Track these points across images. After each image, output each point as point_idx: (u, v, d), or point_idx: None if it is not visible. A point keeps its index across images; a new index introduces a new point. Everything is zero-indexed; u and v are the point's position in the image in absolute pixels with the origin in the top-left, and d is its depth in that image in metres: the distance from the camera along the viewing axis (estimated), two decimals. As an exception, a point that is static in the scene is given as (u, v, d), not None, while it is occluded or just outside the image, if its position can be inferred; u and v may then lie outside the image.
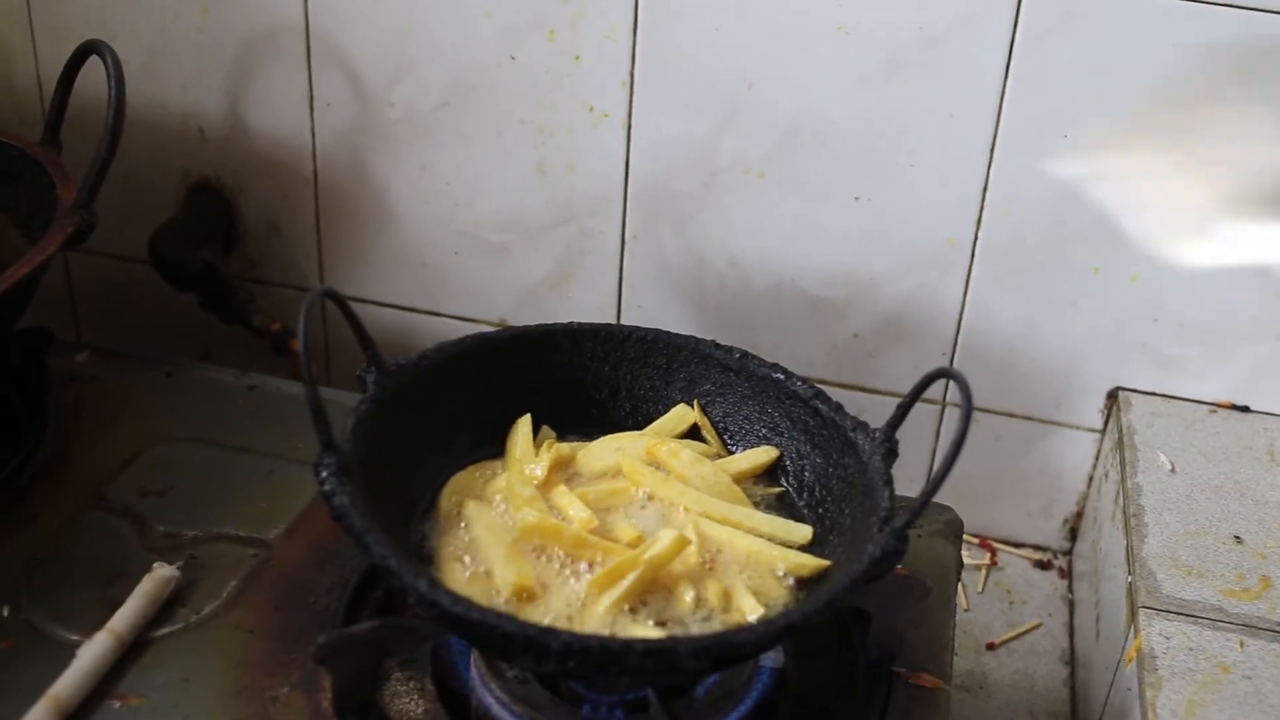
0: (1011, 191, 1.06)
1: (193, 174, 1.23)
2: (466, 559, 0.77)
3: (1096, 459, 1.15)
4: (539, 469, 0.82)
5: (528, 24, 1.08)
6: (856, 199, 1.09)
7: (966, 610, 1.14)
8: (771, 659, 0.81)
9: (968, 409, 0.70)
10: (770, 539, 0.80)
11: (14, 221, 1.02)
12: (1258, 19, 0.96)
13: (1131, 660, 0.88)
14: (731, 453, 0.87)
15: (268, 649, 0.82)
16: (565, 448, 0.85)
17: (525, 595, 0.74)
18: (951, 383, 0.73)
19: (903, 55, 1.03)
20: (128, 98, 0.98)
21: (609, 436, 0.87)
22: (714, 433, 0.88)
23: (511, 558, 0.76)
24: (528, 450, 0.84)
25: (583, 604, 0.74)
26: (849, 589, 0.70)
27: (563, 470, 0.84)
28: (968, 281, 1.10)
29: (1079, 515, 1.19)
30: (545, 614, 0.73)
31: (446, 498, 0.82)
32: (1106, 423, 1.13)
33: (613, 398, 0.90)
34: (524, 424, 0.86)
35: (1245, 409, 1.10)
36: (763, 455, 0.86)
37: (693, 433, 0.88)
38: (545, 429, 0.87)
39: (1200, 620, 0.90)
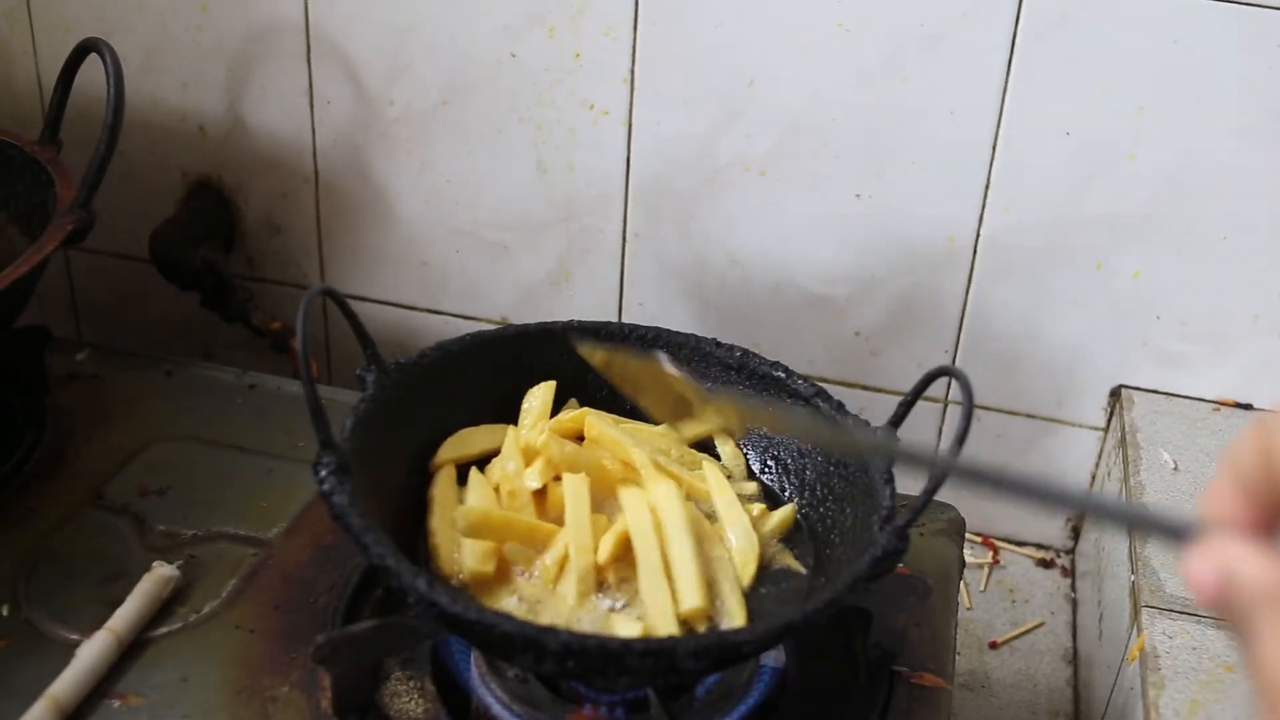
0: (1013, 189, 1.05)
1: (193, 172, 1.23)
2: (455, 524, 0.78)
3: (1099, 457, 1.15)
4: (534, 481, 0.80)
5: (528, 21, 1.08)
6: (858, 196, 1.08)
7: (969, 609, 1.14)
8: (772, 658, 0.81)
9: (969, 407, 0.70)
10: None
11: (13, 220, 1.02)
12: (1257, 15, 0.95)
13: (1134, 659, 0.88)
14: (749, 467, 0.87)
15: (267, 648, 0.82)
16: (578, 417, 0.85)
17: (483, 582, 0.75)
18: (953, 381, 0.73)
19: (904, 52, 1.02)
20: (127, 96, 0.98)
21: (633, 426, 0.86)
22: (739, 454, 0.87)
23: (477, 545, 0.76)
24: (541, 418, 0.84)
25: (545, 593, 0.75)
26: (850, 588, 0.70)
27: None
28: (969, 279, 1.10)
29: (1081, 514, 1.18)
30: (509, 600, 0.74)
31: (448, 448, 0.83)
32: (1109, 421, 1.13)
33: (613, 396, 0.89)
34: (544, 391, 0.86)
35: (1248, 407, 1.10)
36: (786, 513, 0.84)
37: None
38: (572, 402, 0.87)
39: (1203, 619, 0.89)
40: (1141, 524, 0.45)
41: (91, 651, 0.78)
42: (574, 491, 0.77)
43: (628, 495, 0.78)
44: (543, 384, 0.86)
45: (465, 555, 0.76)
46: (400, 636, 0.78)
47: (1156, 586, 0.92)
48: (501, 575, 0.76)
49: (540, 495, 0.79)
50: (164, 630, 0.83)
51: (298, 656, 0.81)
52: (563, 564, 0.75)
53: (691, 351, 0.88)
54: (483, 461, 0.83)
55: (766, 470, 0.86)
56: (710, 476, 0.82)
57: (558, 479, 0.79)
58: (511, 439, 0.82)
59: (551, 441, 0.80)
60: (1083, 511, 0.62)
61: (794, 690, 0.81)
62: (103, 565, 0.87)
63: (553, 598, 0.74)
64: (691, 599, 0.73)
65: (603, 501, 0.80)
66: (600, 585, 0.75)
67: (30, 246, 0.91)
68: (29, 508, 0.92)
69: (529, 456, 0.81)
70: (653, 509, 0.77)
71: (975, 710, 1.05)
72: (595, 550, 0.75)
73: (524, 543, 0.76)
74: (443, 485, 0.80)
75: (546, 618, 0.73)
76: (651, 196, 1.13)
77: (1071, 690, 1.07)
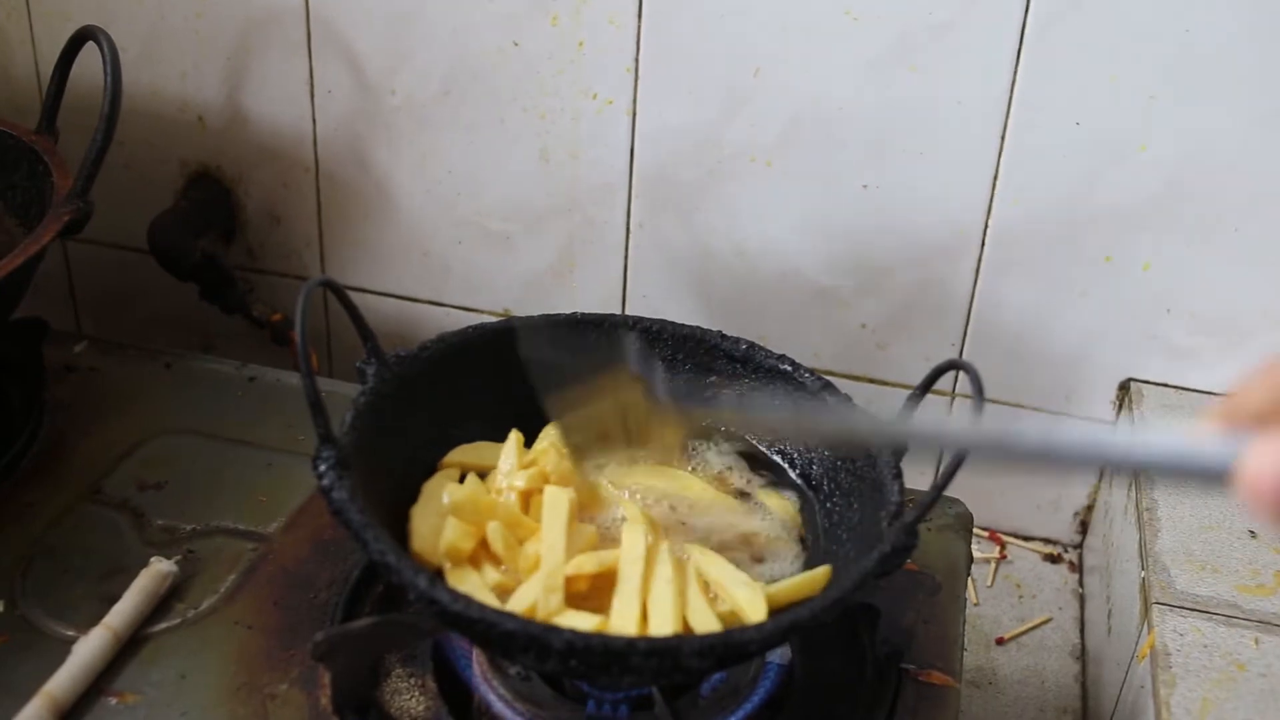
0: (1022, 180, 1.04)
1: (192, 163, 1.22)
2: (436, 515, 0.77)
3: (1108, 451, 1.13)
4: (521, 481, 0.79)
5: (530, 9, 1.07)
6: (865, 187, 1.07)
7: (976, 605, 1.13)
8: (779, 655, 0.80)
9: (979, 401, 0.69)
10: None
11: (10, 210, 1.01)
12: (1269, 3, 0.94)
13: (1145, 657, 0.87)
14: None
15: (266, 645, 0.81)
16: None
17: (459, 559, 0.74)
18: (961, 374, 0.72)
19: (912, 41, 1.01)
20: (126, 85, 0.97)
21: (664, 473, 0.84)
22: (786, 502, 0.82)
23: (460, 523, 0.75)
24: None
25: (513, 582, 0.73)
26: (858, 585, 0.69)
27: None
28: (977, 271, 1.09)
29: (1089, 509, 1.17)
30: (475, 584, 0.72)
31: (457, 454, 0.82)
32: (1118, 414, 1.12)
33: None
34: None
35: (1259, 401, 1.09)
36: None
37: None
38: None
39: (1214, 616, 0.88)
40: (1175, 469, 0.46)
41: (89, 648, 0.77)
42: (553, 502, 0.76)
43: (630, 529, 0.76)
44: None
45: (447, 529, 0.74)
46: (400, 633, 0.77)
47: (1167, 583, 0.91)
48: (476, 560, 0.75)
49: (529, 503, 0.78)
50: (162, 626, 0.82)
51: (297, 653, 0.80)
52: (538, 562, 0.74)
53: (696, 344, 0.88)
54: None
55: (772, 466, 0.85)
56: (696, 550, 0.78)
57: None
58: (513, 441, 0.81)
59: (550, 452, 0.79)
60: (1106, 467, 0.60)
61: (800, 687, 0.80)
62: (100, 560, 0.86)
63: (518, 589, 0.73)
64: (664, 628, 0.70)
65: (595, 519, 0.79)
66: (575, 599, 0.73)
67: (27, 237, 0.90)
68: (26, 502, 0.91)
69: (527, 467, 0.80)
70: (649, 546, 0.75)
71: (983, 707, 1.04)
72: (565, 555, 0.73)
73: (507, 526, 0.75)
74: (438, 479, 0.79)
75: (508, 605, 0.71)
76: (656, 187, 1.12)
77: (1080, 687, 1.06)
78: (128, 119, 1.00)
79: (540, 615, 0.70)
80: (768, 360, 0.86)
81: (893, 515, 0.73)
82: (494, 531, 0.74)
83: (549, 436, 0.82)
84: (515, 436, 0.81)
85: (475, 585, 0.72)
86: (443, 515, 0.76)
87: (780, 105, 1.06)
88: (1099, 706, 1.00)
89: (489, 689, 0.76)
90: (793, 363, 0.85)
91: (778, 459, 0.85)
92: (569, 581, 0.72)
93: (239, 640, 0.81)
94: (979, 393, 0.70)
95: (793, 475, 0.84)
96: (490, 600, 0.71)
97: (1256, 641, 0.86)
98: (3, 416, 0.97)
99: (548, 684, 0.76)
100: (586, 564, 0.73)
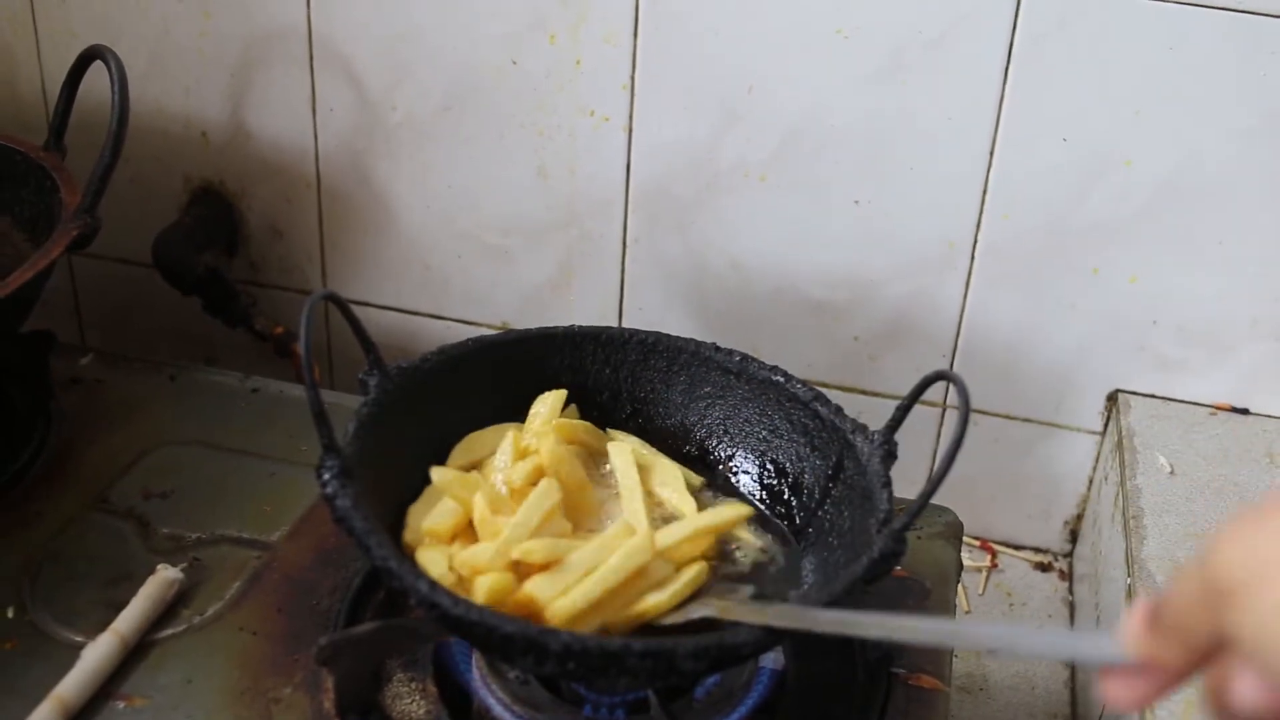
0: (1011, 193, 1.06)
1: (196, 178, 1.24)
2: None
3: (1096, 461, 1.15)
4: (519, 477, 0.80)
5: (529, 28, 1.09)
6: (856, 202, 1.09)
7: (967, 612, 1.14)
8: (771, 660, 0.82)
9: (965, 411, 0.70)
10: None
11: (18, 226, 1.02)
12: (1251, 21, 0.96)
13: (1130, 661, 0.88)
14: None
15: (270, 650, 0.82)
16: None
17: (438, 540, 0.76)
18: (951, 385, 0.74)
19: (902, 58, 1.03)
20: (131, 102, 0.99)
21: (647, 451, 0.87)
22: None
23: (441, 508, 0.77)
24: (547, 424, 0.84)
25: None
26: (848, 591, 0.71)
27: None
28: (967, 283, 1.10)
29: (1079, 517, 1.19)
30: (437, 560, 0.74)
31: (458, 453, 0.84)
32: (1106, 425, 1.13)
33: (613, 400, 0.90)
34: (554, 399, 0.86)
35: (1245, 411, 1.11)
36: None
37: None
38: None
39: (1199, 621, 0.90)
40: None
41: (97, 653, 0.79)
42: (541, 492, 0.77)
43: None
44: (553, 392, 0.86)
45: (431, 513, 0.76)
46: (402, 638, 0.79)
47: (1153, 590, 0.93)
48: (451, 541, 0.76)
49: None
50: (168, 632, 0.83)
51: (301, 658, 0.82)
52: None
53: (691, 356, 0.89)
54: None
55: (766, 474, 0.87)
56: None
57: None
58: (511, 438, 0.82)
59: (546, 445, 0.81)
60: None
61: (793, 692, 0.82)
62: (107, 568, 0.88)
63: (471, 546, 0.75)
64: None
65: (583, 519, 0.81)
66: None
67: (35, 252, 0.91)
68: (34, 511, 0.92)
69: (524, 457, 0.81)
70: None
71: (973, 712, 1.05)
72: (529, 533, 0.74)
73: (490, 504, 0.76)
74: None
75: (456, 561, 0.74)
76: (652, 202, 1.13)
77: (1069, 692, 1.08)
78: (133, 135, 1.01)
79: (484, 574, 0.72)
80: (760, 371, 0.87)
81: (881, 522, 0.75)
82: (478, 502, 0.76)
83: (539, 422, 0.84)
84: (513, 432, 0.83)
85: (436, 561, 0.74)
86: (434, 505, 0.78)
87: (774, 121, 1.07)
88: (1087, 712, 1.01)
89: (488, 693, 0.78)
90: (785, 374, 0.86)
91: (770, 468, 0.87)
92: (520, 564, 0.73)
93: (244, 645, 0.83)
94: (965, 404, 0.71)
95: (785, 485, 0.86)
96: (444, 574, 0.73)
97: (1240, 646, 0.88)
98: (11, 427, 0.99)
99: (546, 687, 0.78)
100: (536, 552, 0.73)
